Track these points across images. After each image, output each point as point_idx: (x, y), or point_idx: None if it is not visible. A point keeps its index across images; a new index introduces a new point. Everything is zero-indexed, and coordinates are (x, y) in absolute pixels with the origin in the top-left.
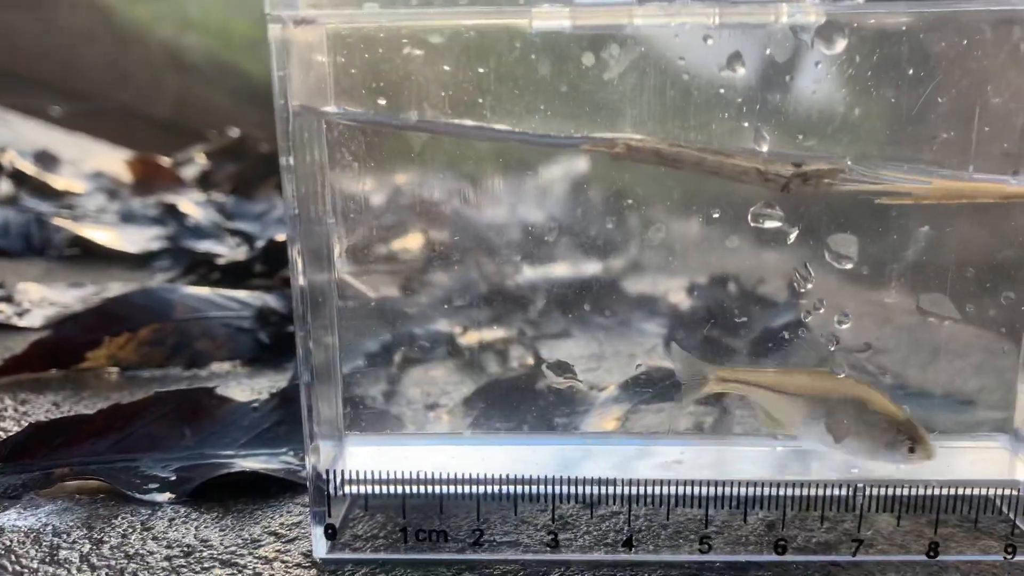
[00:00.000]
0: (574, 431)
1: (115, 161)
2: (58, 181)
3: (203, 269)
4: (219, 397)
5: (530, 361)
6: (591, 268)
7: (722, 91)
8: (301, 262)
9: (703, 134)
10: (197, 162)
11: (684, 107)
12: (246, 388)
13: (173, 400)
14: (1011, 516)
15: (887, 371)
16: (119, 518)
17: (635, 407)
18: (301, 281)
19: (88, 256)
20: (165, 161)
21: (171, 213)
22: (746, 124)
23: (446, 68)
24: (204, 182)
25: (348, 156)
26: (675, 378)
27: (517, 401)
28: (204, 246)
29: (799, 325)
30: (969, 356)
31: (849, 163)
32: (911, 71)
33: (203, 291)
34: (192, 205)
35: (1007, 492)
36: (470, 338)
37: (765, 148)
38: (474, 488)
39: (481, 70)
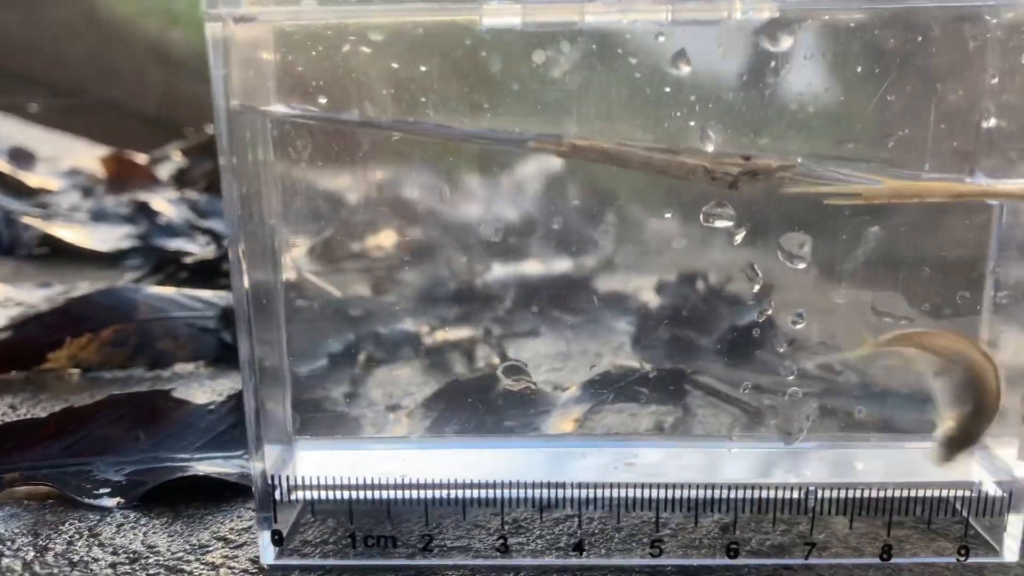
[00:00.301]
0: (533, 433)
1: (92, 158)
2: (32, 179)
3: (171, 268)
4: (175, 399)
5: (495, 361)
6: (538, 267)
7: (667, 90)
8: (243, 263)
9: (652, 132)
10: (174, 159)
11: (634, 105)
12: (208, 389)
13: (128, 403)
14: (966, 516)
15: (844, 370)
16: (66, 524)
17: (596, 407)
18: (244, 282)
19: (58, 255)
20: (140, 158)
21: (143, 211)
22: (692, 123)
23: (394, 65)
24: (180, 179)
25: (295, 154)
26: (635, 378)
27: (476, 403)
28: (175, 245)
29: (754, 326)
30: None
31: (799, 160)
32: (865, 69)
33: (167, 291)
34: (165, 203)
35: (962, 493)
36: (432, 337)
37: (711, 147)
38: (425, 493)
39: (429, 67)
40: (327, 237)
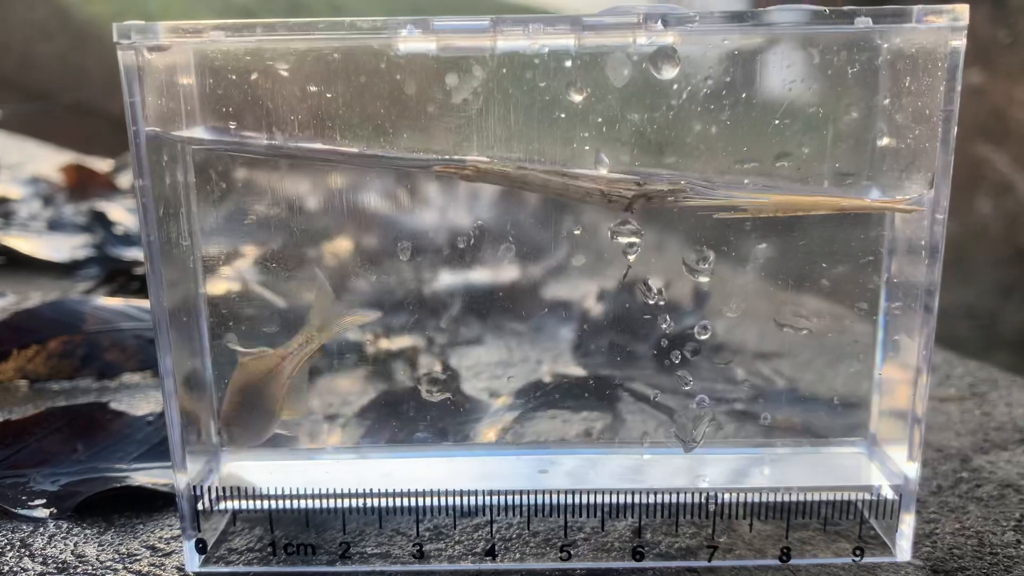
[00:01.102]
0: (459, 442)
1: (54, 166)
2: None
3: (123, 278)
4: (113, 411)
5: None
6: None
7: (563, 116)
8: (159, 284)
9: (556, 156)
10: None
11: (541, 130)
12: (153, 400)
13: (66, 415)
14: (867, 517)
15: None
16: None
17: (525, 415)
18: (161, 301)
19: (13, 265)
20: (101, 167)
21: (100, 221)
22: (587, 148)
23: (312, 88)
24: None
25: (215, 176)
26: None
27: (408, 412)
28: (130, 254)
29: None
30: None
31: (684, 183)
32: (763, 91)
33: (115, 302)
34: (124, 212)
35: (864, 496)
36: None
37: (604, 170)
38: (345, 502)
39: (341, 91)
40: (270, 249)
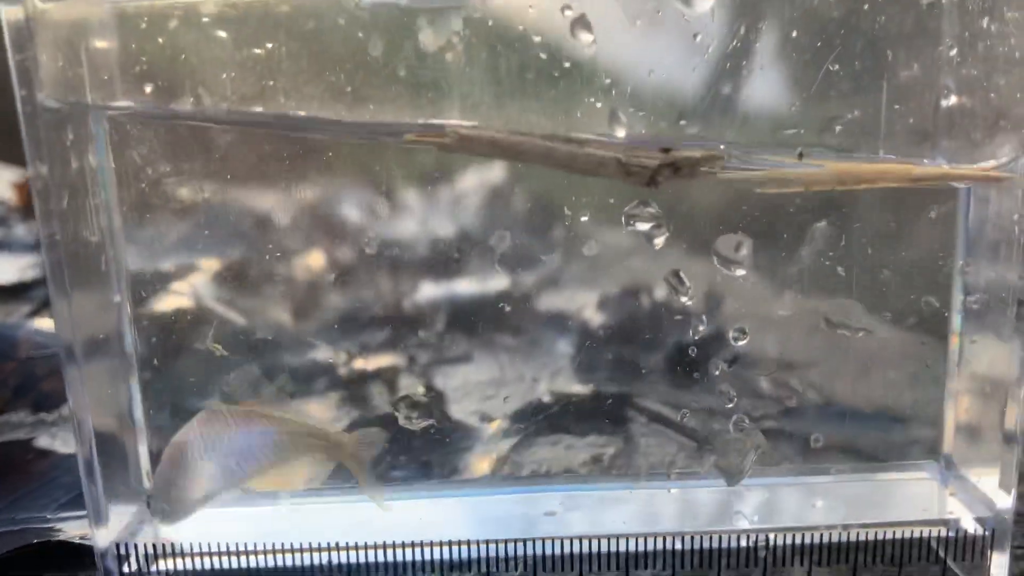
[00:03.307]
0: (446, 477)
1: (6, 184)
2: None
3: None
4: (37, 450)
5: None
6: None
7: (568, 65)
8: (64, 293)
9: (553, 119)
10: None
11: (534, 89)
12: None
13: None
14: (943, 557)
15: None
16: None
17: (524, 442)
18: (68, 314)
19: None
20: None
21: None
22: (599, 106)
23: (256, 51)
24: None
25: (140, 159)
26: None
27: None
28: None
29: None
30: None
31: (723, 148)
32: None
33: (52, 324)
34: None
35: (939, 532)
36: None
37: (622, 133)
38: (308, 558)
39: (296, 50)
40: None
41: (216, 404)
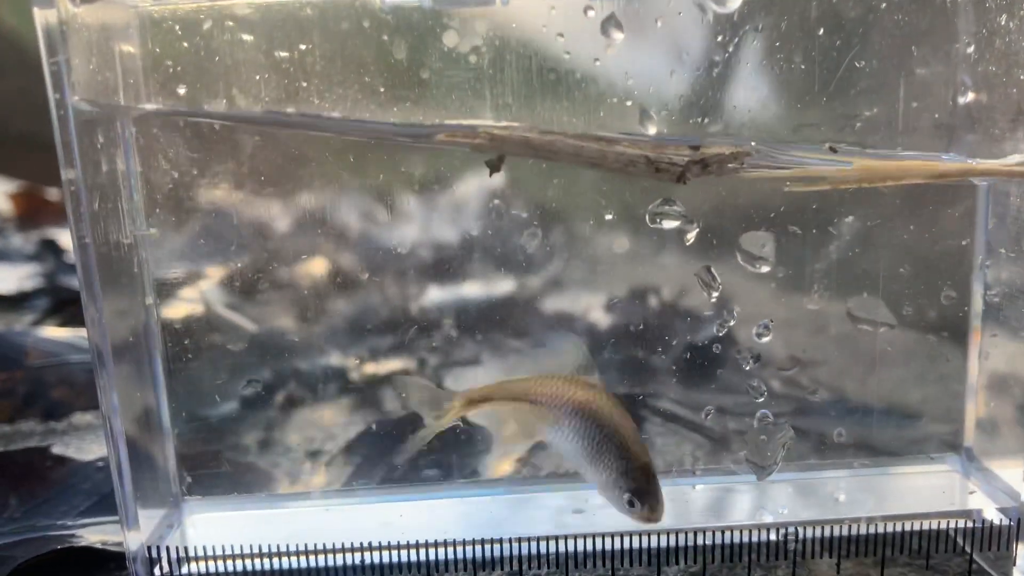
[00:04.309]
0: (468, 478)
1: (2, 195)
2: None
3: (72, 308)
4: (55, 457)
5: None
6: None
7: (598, 63)
8: (95, 297)
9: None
10: None
11: (558, 88)
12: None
13: None
14: (968, 550)
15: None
16: None
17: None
18: (99, 317)
19: None
20: (52, 194)
21: (50, 249)
22: (628, 104)
23: (282, 54)
24: None
25: (166, 163)
26: None
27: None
28: None
29: (714, 340)
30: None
31: (753, 144)
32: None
33: (62, 333)
34: None
35: (963, 524)
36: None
37: (653, 130)
38: (337, 558)
39: (320, 53)
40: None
41: None
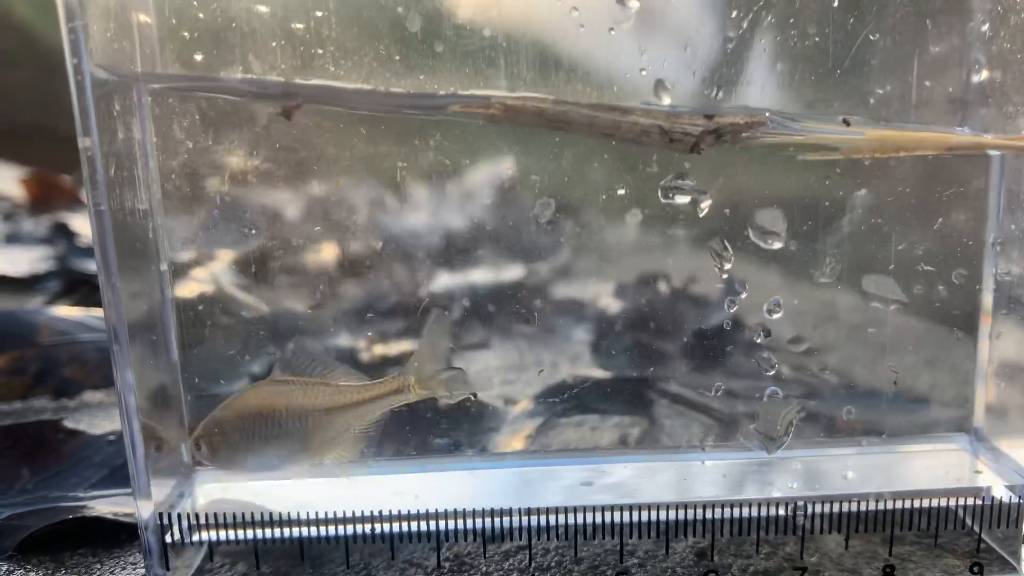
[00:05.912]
0: (478, 453)
1: (14, 181)
2: None
3: (84, 289)
4: (67, 430)
5: None
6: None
7: (613, 31)
8: (109, 266)
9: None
10: None
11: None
12: (116, 418)
13: (9, 436)
14: (976, 528)
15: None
16: None
17: (549, 421)
18: (113, 290)
19: None
20: (64, 179)
21: (62, 232)
22: (643, 73)
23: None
24: None
25: (181, 133)
26: (592, 385)
27: (416, 421)
28: (94, 266)
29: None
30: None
31: (768, 115)
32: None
33: (73, 312)
34: (87, 223)
35: (970, 501)
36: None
37: (667, 101)
38: (348, 528)
39: (335, 25)
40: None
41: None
